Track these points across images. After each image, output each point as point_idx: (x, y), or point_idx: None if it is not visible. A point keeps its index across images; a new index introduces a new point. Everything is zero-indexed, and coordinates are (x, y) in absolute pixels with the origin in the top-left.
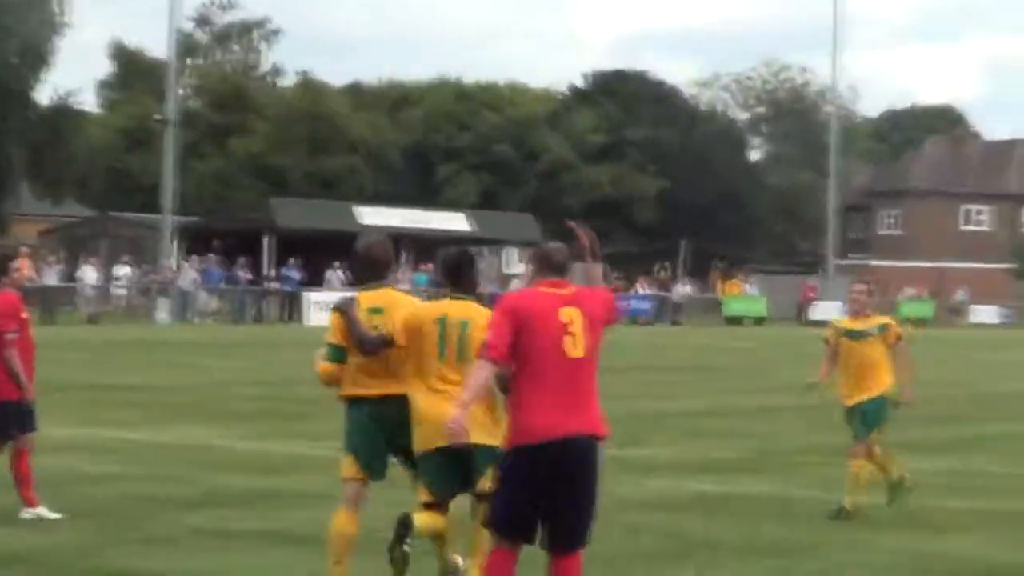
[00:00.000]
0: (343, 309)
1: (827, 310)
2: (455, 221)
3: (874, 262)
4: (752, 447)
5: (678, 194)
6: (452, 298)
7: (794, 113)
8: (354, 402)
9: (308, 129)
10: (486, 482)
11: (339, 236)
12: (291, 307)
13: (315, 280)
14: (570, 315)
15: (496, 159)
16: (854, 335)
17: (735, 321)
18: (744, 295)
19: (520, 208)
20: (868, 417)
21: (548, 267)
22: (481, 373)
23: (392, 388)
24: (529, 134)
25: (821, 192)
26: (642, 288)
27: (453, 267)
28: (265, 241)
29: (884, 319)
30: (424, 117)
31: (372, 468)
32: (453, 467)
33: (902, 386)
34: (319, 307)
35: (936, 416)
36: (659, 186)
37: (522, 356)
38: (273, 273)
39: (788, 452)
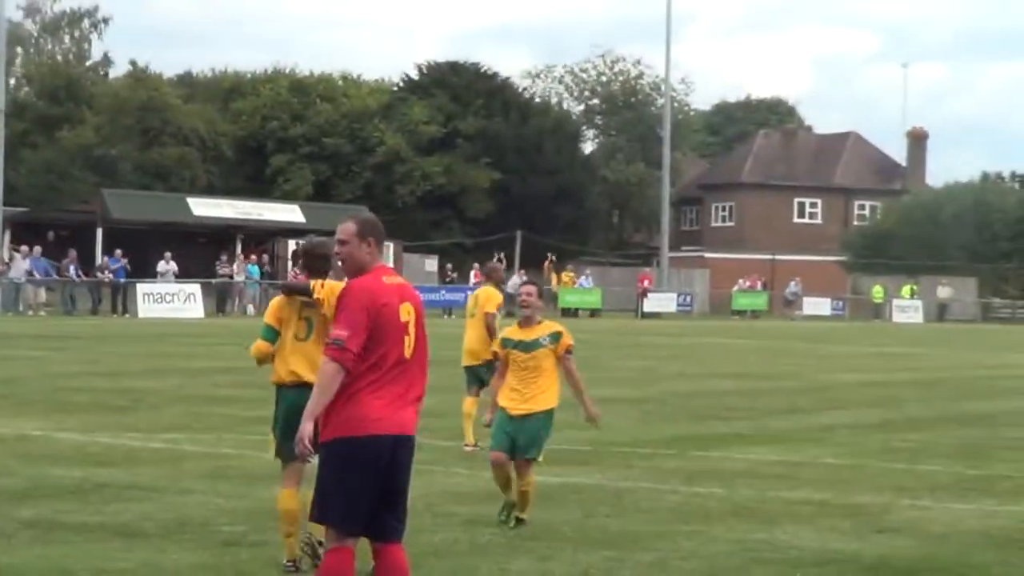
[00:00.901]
0: (289, 285)
1: (662, 302)
2: (288, 213)
3: (708, 254)
4: (586, 439)
5: (512, 186)
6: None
7: (628, 105)
8: (280, 388)
9: (139, 120)
10: None
11: (172, 228)
12: (124, 299)
13: (149, 272)
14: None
15: (330, 151)
16: (523, 346)
17: (570, 313)
18: (578, 288)
19: (354, 200)
20: (531, 432)
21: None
22: (335, 380)
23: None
24: (363, 126)
25: (654, 184)
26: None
27: (320, 255)
28: (98, 233)
29: (556, 327)
30: (257, 108)
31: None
32: None
33: (584, 404)
34: (151, 299)
35: (770, 408)
36: (492, 178)
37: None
38: (112, 264)
39: (622, 444)
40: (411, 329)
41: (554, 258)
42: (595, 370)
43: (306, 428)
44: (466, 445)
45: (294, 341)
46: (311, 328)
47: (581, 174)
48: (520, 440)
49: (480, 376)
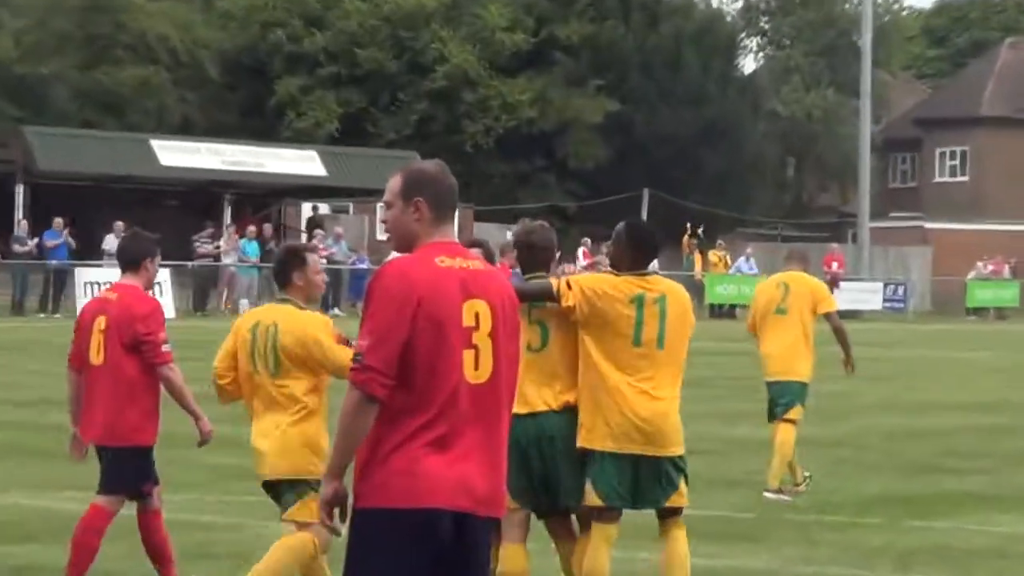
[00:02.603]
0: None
1: (860, 295)
2: (302, 162)
3: (930, 224)
4: (748, 502)
5: (635, 122)
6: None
7: (808, 3)
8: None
9: (81, 25)
10: None
11: (128, 184)
12: (56, 289)
13: (92, 251)
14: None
15: (365, 71)
16: None
17: (722, 311)
18: (734, 274)
19: (400, 142)
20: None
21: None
22: (360, 417)
23: None
24: (415, 34)
25: (849, 120)
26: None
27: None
28: (19, 192)
29: None
30: (255, 8)
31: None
32: None
33: None
34: (96, 290)
35: (1021, 456)
36: (606, 110)
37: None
38: (30, 240)
39: (802, 509)
40: (481, 340)
41: (699, 230)
42: (753, 398)
43: (326, 491)
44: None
45: (524, 352)
46: (546, 335)
47: (739, 105)
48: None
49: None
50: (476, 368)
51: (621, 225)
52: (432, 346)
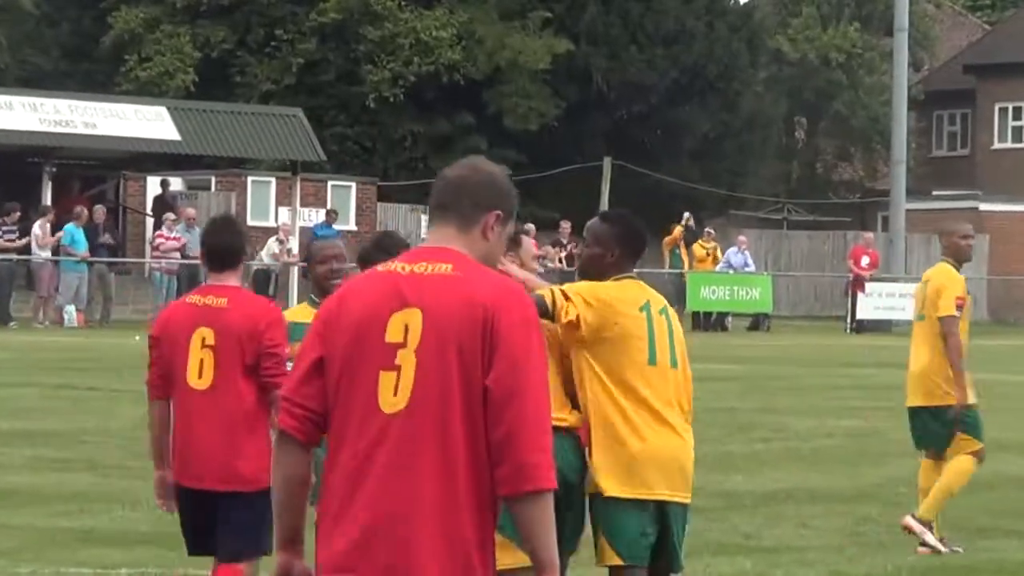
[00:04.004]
0: None
1: (895, 300)
2: (147, 122)
3: (986, 205)
4: None
5: (594, 67)
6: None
7: None
8: None
9: None
10: None
11: None
12: None
13: None
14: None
15: None
16: None
17: (706, 321)
18: (723, 272)
19: (279, 94)
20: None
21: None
22: (283, 466)
23: None
24: None
25: (877, 67)
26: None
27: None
28: None
29: None
30: None
31: None
32: None
33: None
34: None
35: None
36: (555, 51)
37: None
38: None
39: None
40: (405, 359)
41: (689, 220)
42: (746, 437)
43: (279, 562)
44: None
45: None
46: None
47: (731, 45)
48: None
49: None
50: (395, 394)
51: (600, 221)
52: (343, 367)
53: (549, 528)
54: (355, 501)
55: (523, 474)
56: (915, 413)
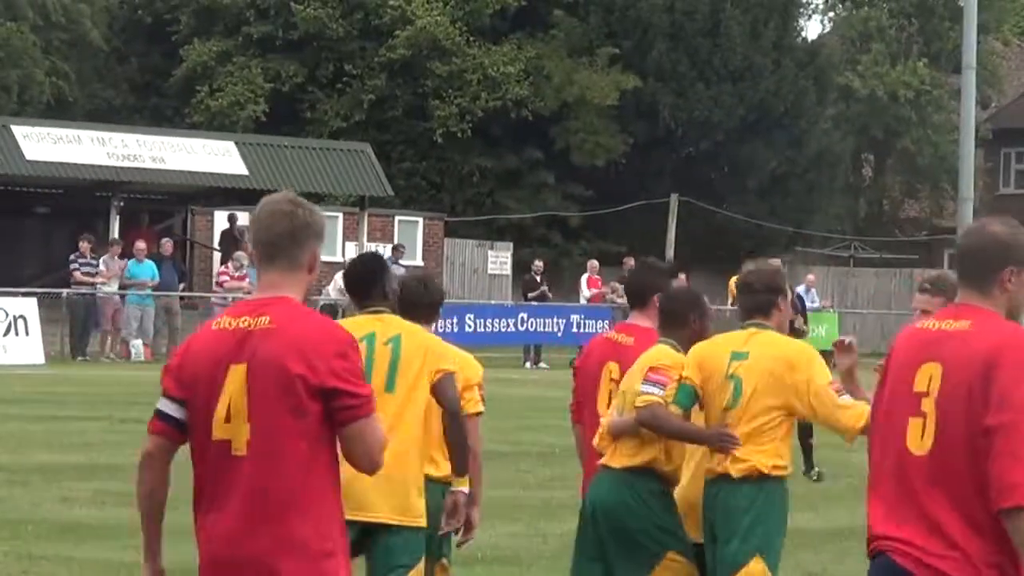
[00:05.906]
0: None
1: None
2: (216, 157)
3: None
4: None
5: (662, 104)
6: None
7: None
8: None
9: None
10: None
11: None
12: None
13: None
14: None
15: (302, 34)
16: None
17: None
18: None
19: (349, 129)
20: None
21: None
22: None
23: None
24: None
25: (946, 104)
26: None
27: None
28: None
29: None
30: None
31: None
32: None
33: None
34: None
35: None
36: (621, 87)
37: None
38: None
39: None
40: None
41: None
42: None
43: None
44: None
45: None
46: (738, 391)
47: (799, 79)
48: None
49: None
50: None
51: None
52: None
53: None
54: None
55: None
56: None
